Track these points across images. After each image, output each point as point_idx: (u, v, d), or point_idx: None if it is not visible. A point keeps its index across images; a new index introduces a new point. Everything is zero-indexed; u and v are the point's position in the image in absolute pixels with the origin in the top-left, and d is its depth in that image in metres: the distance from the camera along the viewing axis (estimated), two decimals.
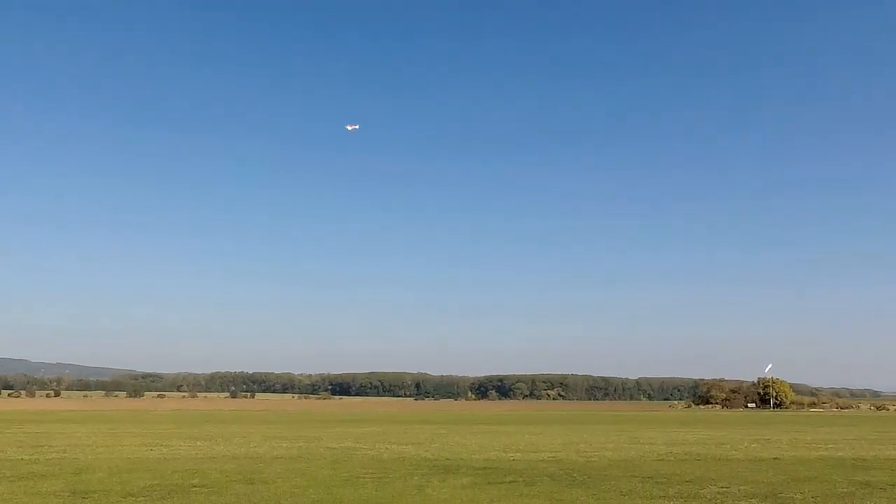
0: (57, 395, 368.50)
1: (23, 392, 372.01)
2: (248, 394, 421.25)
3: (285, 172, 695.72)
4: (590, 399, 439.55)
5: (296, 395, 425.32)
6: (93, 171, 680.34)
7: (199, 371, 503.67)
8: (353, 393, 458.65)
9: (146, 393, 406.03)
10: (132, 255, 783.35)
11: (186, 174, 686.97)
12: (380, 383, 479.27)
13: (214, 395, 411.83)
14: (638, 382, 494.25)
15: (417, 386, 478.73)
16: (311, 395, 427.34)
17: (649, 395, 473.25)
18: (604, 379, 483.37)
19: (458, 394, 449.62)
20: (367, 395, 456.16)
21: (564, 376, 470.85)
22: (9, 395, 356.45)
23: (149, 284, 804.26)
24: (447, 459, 34.37)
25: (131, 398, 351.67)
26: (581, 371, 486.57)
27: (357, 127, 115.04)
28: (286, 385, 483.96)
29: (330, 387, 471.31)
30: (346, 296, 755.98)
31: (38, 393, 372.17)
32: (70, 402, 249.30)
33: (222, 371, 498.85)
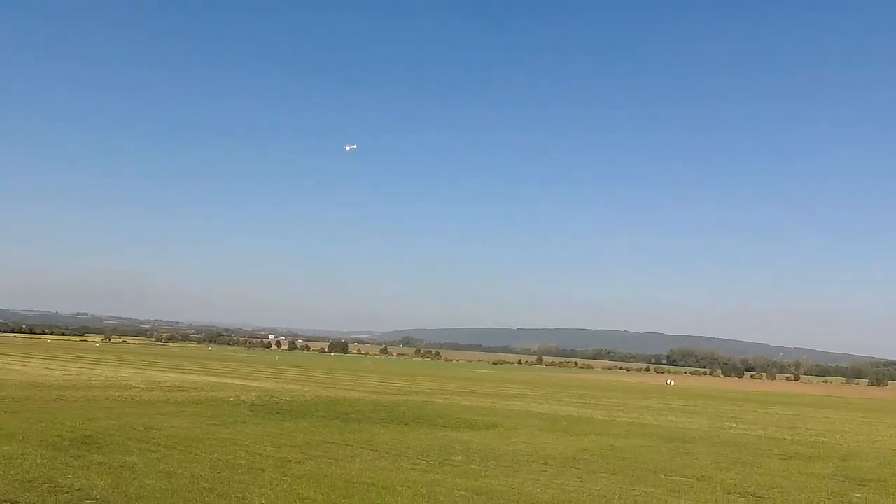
0: (796, 378, 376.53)
1: (763, 374, 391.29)
2: None
3: None
4: None
5: None
6: None
7: None
8: None
9: (889, 382, 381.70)
10: None
11: None
12: None
13: None
14: None
15: None
16: None
17: None
18: None
19: None
20: None
21: None
22: (750, 376, 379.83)
23: None
24: None
25: (873, 386, 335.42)
26: None
27: (355, 146, 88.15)
28: None
29: None
30: None
31: (777, 376, 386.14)
32: (809, 387, 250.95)
33: None
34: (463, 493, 15.39)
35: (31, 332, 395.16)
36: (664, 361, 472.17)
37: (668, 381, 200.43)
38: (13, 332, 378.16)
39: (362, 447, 21.94)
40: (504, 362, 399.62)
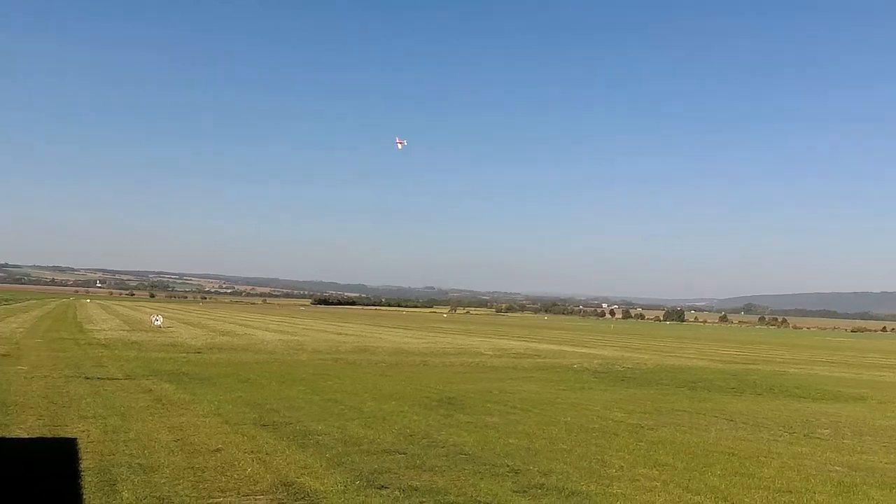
0: None
1: None
2: None
3: None
4: None
5: None
6: None
7: None
8: None
9: None
10: None
11: None
12: None
13: None
14: None
15: None
16: None
17: None
18: None
19: None
20: None
21: None
22: None
23: None
24: None
25: None
26: None
27: (405, 143, 54.78)
28: None
29: None
30: None
31: None
32: None
33: None
34: (837, 468, 14.11)
35: (388, 305, 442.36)
36: None
37: None
38: (374, 306, 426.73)
39: (715, 416, 21.14)
40: (864, 330, 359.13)
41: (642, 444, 15.74)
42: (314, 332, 70.91)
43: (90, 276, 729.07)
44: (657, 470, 13.07)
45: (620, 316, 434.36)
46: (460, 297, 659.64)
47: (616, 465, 13.27)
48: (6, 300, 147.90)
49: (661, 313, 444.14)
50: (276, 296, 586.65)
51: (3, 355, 29.88)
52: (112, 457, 11.95)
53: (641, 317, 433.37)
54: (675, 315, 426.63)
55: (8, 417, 15.29)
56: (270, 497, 10.01)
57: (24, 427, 14.37)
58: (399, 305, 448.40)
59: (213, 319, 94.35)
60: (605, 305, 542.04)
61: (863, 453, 16.04)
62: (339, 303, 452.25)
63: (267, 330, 69.65)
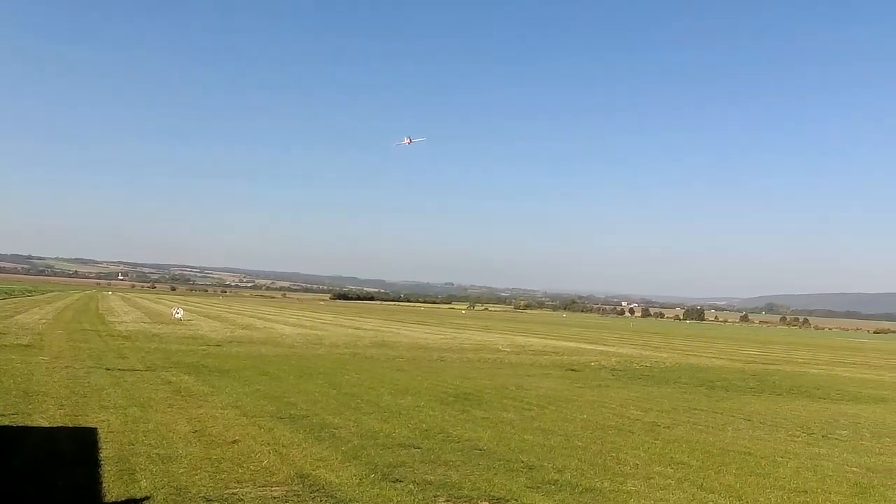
0: None
1: None
2: None
3: None
4: None
5: None
6: None
7: None
8: None
9: None
10: None
11: None
12: None
13: None
14: None
15: None
16: None
17: None
18: None
19: None
20: None
21: None
22: None
23: None
24: None
25: None
26: None
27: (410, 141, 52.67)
28: None
29: None
30: None
31: None
32: None
33: None
34: (854, 469, 14.03)
35: (408, 301, 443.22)
36: None
37: None
38: (394, 301, 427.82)
39: (733, 415, 21.06)
40: (888, 331, 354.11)
41: (658, 442, 15.71)
42: (333, 326, 71.23)
43: (112, 268, 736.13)
44: (672, 468, 13.06)
45: (640, 314, 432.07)
46: (479, 293, 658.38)
47: (631, 463, 13.27)
48: (29, 291, 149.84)
49: (680, 312, 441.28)
50: (296, 290, 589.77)
51: (26, 346, 30.30)
52: (132, 447, 12.13)
53: (661, 315, 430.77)
54: (695, 314, 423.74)
55: (30, 406, 15.53)
56: (286, 489, 10.11)
57: (46, 416, 14.59)
58: (418, 301, 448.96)
59: (232, 313, 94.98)
60: (624, 303, 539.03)
61: (881, 455, 15.93)
62: (359, 298, 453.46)
63: (286, 324, 70.03)
